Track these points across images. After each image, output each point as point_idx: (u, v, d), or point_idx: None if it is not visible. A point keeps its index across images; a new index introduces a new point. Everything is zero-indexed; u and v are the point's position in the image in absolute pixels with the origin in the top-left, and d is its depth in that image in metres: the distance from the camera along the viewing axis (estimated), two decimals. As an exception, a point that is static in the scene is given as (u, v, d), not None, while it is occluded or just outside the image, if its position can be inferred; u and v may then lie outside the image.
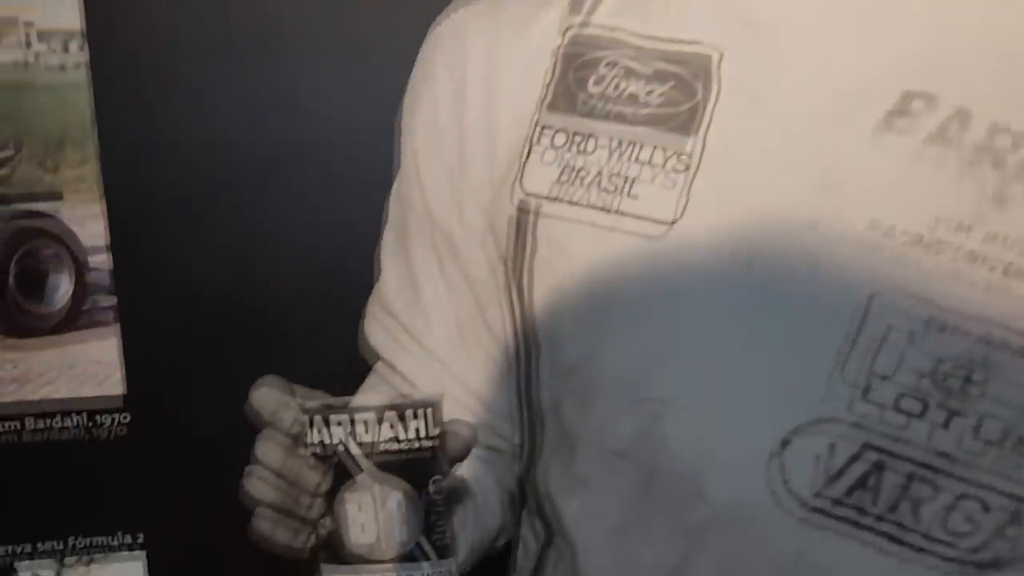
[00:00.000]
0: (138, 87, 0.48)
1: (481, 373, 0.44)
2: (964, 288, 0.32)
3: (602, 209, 0.37)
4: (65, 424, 0.51)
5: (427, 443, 0.35)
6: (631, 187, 0.37)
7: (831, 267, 0.34)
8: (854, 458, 0.34)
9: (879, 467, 0.34)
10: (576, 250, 0.38)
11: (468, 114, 0.41)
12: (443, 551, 0.36)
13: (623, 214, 0.37)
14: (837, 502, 0.34)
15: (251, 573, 0.44)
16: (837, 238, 0.34)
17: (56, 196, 0.39)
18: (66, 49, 0.36)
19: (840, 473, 0.34)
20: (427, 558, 0.35)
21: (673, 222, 0.36)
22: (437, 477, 0.36)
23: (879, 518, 0.34)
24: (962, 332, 0.33)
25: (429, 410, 0.35)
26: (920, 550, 0.34)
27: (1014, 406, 0.32)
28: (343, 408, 0.35)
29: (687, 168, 0.36)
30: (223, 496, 0.36)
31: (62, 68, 0.34)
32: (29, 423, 0.50)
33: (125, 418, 0.50)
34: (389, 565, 0.35)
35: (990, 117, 0.33)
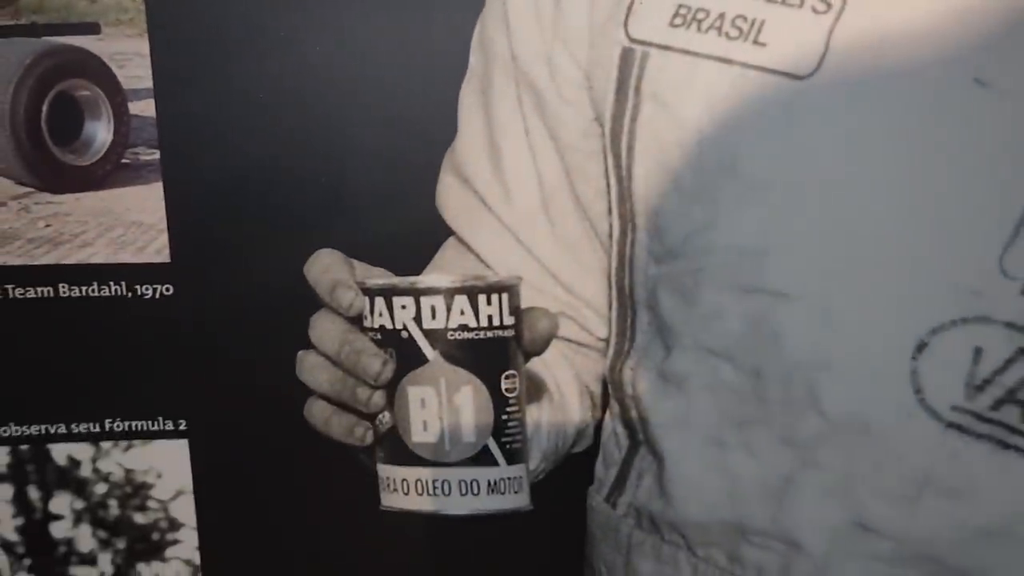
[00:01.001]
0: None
1: (567, 254, 0.39)
2: None
3: (723, 60, 0.31)
4: (102, 293, 0.47)
5: (501, 332, 0.31)
6: (759, 32, 0.31)
7: (1001, 137, 0.28)
8: (1006, 365, 0.29)
9: None
10: (688, 110, 0.32)
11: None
12: (514, 456, 0.32)
13: (748, 66, 0.31)
14: (981, 417, 0.30)
15: (296, 459, 0.42)
16: (1012, 98, 0.27)
17: (93, 29, 0.34)
18: None
19: (987, 383, 0.29)
20: (495, 463, 0.32)
21: (808, 76, 0.30)
22: (511, 371, 0.31)
23: None
24: None
25: (505, 295, 0.31)
26: None
27: None
28: (408, 289, 0.31)
29: (829, 8, 0.30)
30: (271, 381, 0.33)
31: None
32: (63, 290, 0.46)
33: (168, 290, 0.45)
34: (453, 468, 0.32)
35: None
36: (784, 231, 0.31)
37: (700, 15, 0.31)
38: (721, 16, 0.31)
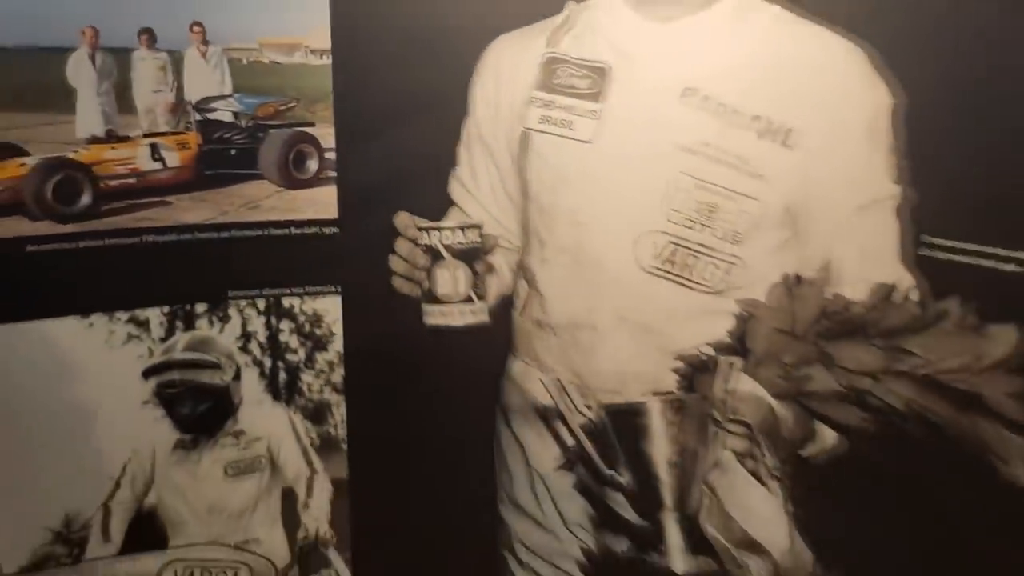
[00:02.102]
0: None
1: (503, 212, 0.85)
2: None
3: (559, 134, 0.78)
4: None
5: (476, 243, 0.80)
6: (574, 123, 0.78)
7: (664, 167, 0.75)
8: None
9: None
10: (546, 151, 0.79)
11: (499, 93, 0.82)
12: (482, 297, 0.81)
13: (568, 137, 0.78)
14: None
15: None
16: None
17: (311, 124, 0.80)
18: (321, 56, 0.77)
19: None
20: (473, 301, 0.81)
21: (592, 140, 0.77)
22: (478, 261, 0.81)
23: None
24: None
25: (477, 229, 0.80)
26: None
27: None
28: (435, 227, 0.79)
29: (596, 118, 0.77)
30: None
31: (321, 58, 0.74)
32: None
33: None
34: (455, 304, 0.81)
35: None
36: (585, 197, 0.78)
37: (551, 117, 0.78)
38: (559, 118, 0.78)
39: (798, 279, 0.76)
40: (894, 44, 0.67)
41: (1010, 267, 0.66)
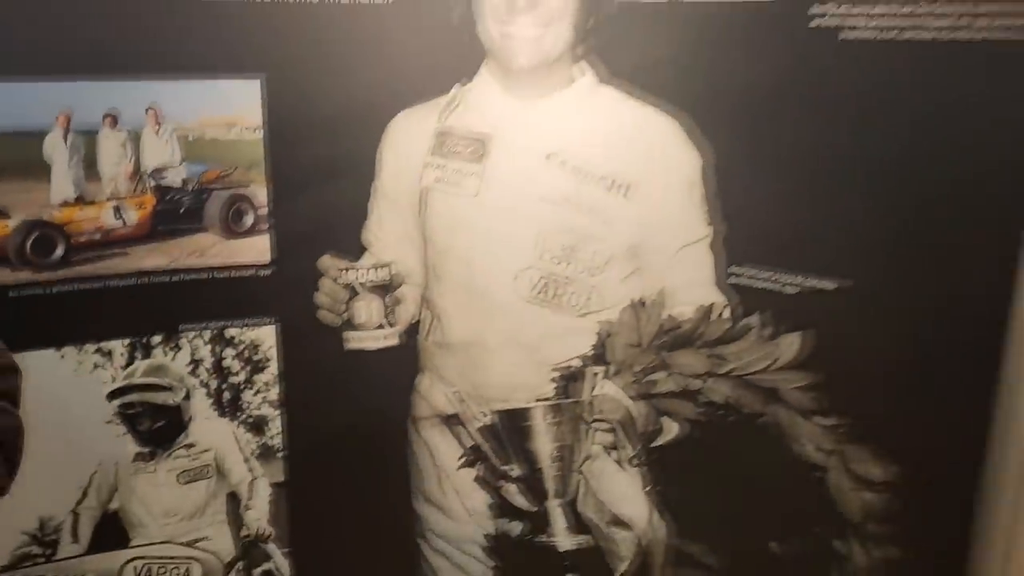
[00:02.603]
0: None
1: (408, 254, 1.03)
2: None
3: (450, 191, 0.97)
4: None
5: (386, 280, 0.98)
6: (462, 181, 0.97)
7: (535, 217, 0.94)
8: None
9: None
10: (441, 204, 0.98)
11: (400, 158, 1.00)
12: (392, 325, 0.99)
13: (458, 193, 0.96)
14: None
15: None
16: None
17: (247, 186, 0.97)
18: (254, 131, 0.95)
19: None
20: (385, 328, 0.99)
21: (477, 194, 0.96)
22: (389, 295, 0.99)
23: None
24: None
25: (387, 268, 0.98)
26: None
27: None
28: (354, 267, 0.97)
29: (479, 178, 0.96)
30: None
31: (254, 132, 0.92)
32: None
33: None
34: (371, 332, 0.99)
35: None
36: (473, 238, 0.96)
37: (444, 177, 0.97)
38: (450, 177, 0.96)
39: (642, 303, 0.95)
40: (699, 116, 0.88)
41: (791, 289, 0.86)
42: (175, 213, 0.93)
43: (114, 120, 0.89)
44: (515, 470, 1.04)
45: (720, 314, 0.91)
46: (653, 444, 0.97)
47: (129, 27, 0.86)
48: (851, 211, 0.79)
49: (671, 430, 0.96)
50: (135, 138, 0.90)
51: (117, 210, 0.91)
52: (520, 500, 1.03)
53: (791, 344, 0.88)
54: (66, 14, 0.84)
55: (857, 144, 0.77)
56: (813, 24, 0.78)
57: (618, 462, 0.99)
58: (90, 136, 0.89)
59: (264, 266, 0.97)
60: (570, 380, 0.99)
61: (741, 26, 0.82)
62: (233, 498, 1.04)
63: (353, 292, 0.98)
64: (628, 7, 0.88)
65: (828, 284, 0.83)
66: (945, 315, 0.74)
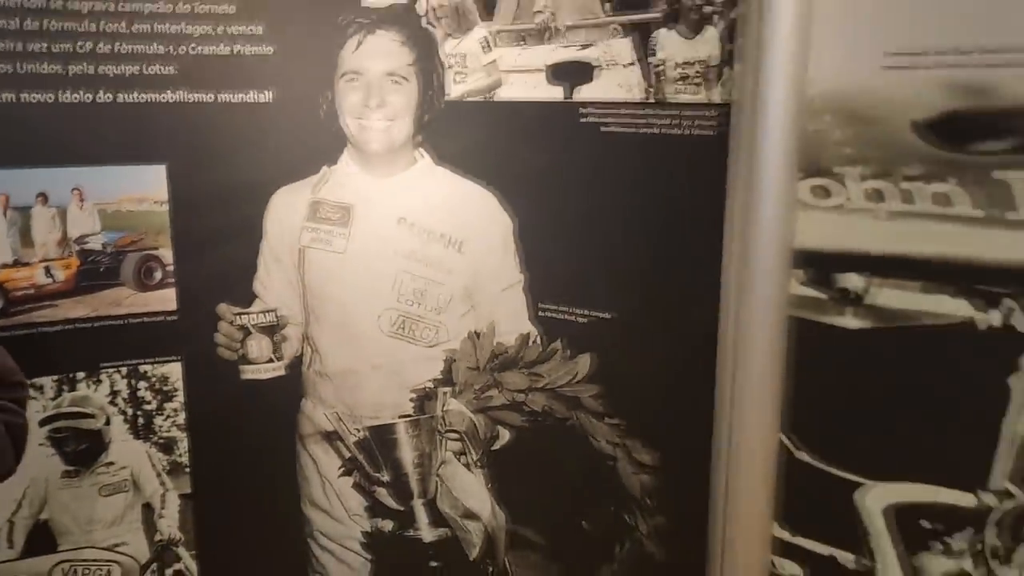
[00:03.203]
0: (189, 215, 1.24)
1: (291, 300, 1.25)
2: None
3: (323, 248, 1.21)
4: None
5: (273, 322, 1.21)
6: (332, 241, 1.21)
7: (391, 268, 1.18)
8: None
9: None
10: (316, 259, 1.21)
11: (282, 223, 1.24)
12: (280, 358, 1.22)
13: (329, 250, 1.21)
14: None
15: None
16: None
17: (156, 248, 1.20)
18: (161, 205, 1.18)
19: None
20: (274, 361, 1.22)
21: (344, 251, 1.20)
22: (278, 335, 1.22)
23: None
24: None
25: (274, 312, 1.21)
26: None
27: None
28: (246, 312, 1.20)
29: (346, 238, 1.20)
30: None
31: (161, 206, 1.15)
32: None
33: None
34: (262, 364, 1.22)
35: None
36: (345, 290, 1.20)
37: (318, 237, 1.21)
38: (323, 237, 1.21)
39: (477, 335, 1.20)
40: (506, 190, 1.14)
41: (582, 319, 1.12)
42: (96, 271, 1.15)
43: (45, 199, 1.11)
44: (385, 476, 1.26)
45: (534, 341, 1.16)
46: (492, 448, 1.21)
47: (57, 125, 1.09)
48: (612, 260, 1.05)
49: (505, 436, 1.20)
50: (63, 212, 1.13)
51: (48, 270, 1.13)
52: (390, 501, 1.25)
53: (585, 362, 1.13)
54: (5, 117, 1.07)
55: (613, 207, 1.04)
56: (582, 120, 1.05)
57: (466, 465, 1.22)
58: (25, 212, 1.11)
59: (171, 313, 1.19)
60: (425, 399, 1.22)
61: (534, 121, 1.09)
62: (147, 508, 1.24)
63: (246, 332, 1.20)
64: (453, 105, 1.14)
65: (605, 315, 1.08)
66: (676, 334, 1.01)
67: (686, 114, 0.97)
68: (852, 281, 0.84)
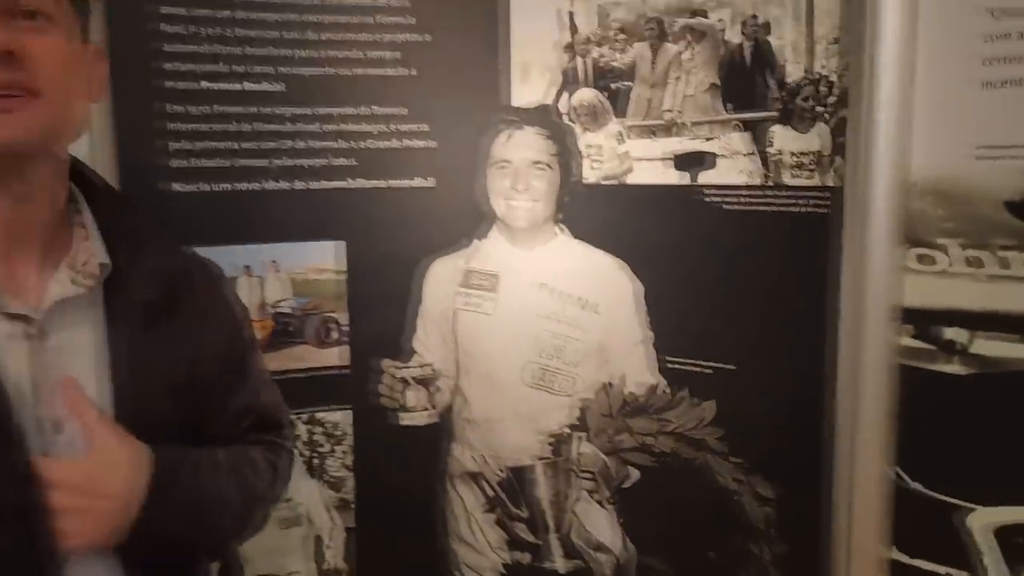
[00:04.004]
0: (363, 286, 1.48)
1: (444, 356, 1.44)
2: None
3: (474, 310, 1.40)
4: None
5: (429, 375, 1.40)
6: (481, 304, 1.40)
7: (533, 327, 1.37)
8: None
9: None
10: (467, 320, 1.41)
11: (438, 289, 1.44)
12: (434, 407, 1.41)
13: (478, 312, 1.40)
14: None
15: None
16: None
17: (334, 312, 1.44)
18: (339, 275, 1.40)
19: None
20: (428, 410, 1.40)
21: (492, 313, 1.39)
22: (432, 385, 1.41)
23: None
24: None
25: (430, 367, 1.40)
26: None
27: None
28: (406, 367, 1.40)
29: (494, 302, 1.39)
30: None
31: (339, 275, 1.40)
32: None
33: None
34: (418, 412, 1.40)
35: None
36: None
37: (471, 301, 1.41)
38: (475, 301, 1.40)
39: (610, 385, 1.37)
40: (635, 262, 1.33)
41: (708, 371, 1.28)
42: (286, 331, 1.36)
43: (249, 270, 1.33)
44: (524, 512, 1.43)
45: (662, 390, 1.33)
46: (622, 487, 1.37)
47: (261, 209, 1.31)
48: (733, 318, 1.22)
49: (634, 475, 1.36)
50: (262, 281, 1.34)
51: (248, 331, 1.34)
52: (528, 535, 1.42)
53: (711, 408, 1.29)
54: (221, 204, 1.29)
55: (732, 273, 1.22)
56: (705, 200, 1.24)
57: (598, 502, 1.38)
58: (232, 280, 1.33)
59: (344, 367, 1.38)
60: (561, 443, 1.39)
61: (662, 201, 1.28)
62: (318, 540, 1.42)
63: (406, 384, 1.39)
64: (590, 188, 1.34)
65: (728, 366, 1.25)
66: (789, 382, 1.17)
67: (801, 195, 1.15)
68: (956, 334, 1.00)
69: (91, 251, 0.81)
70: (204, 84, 1.26)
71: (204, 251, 0.99)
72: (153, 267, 0.85)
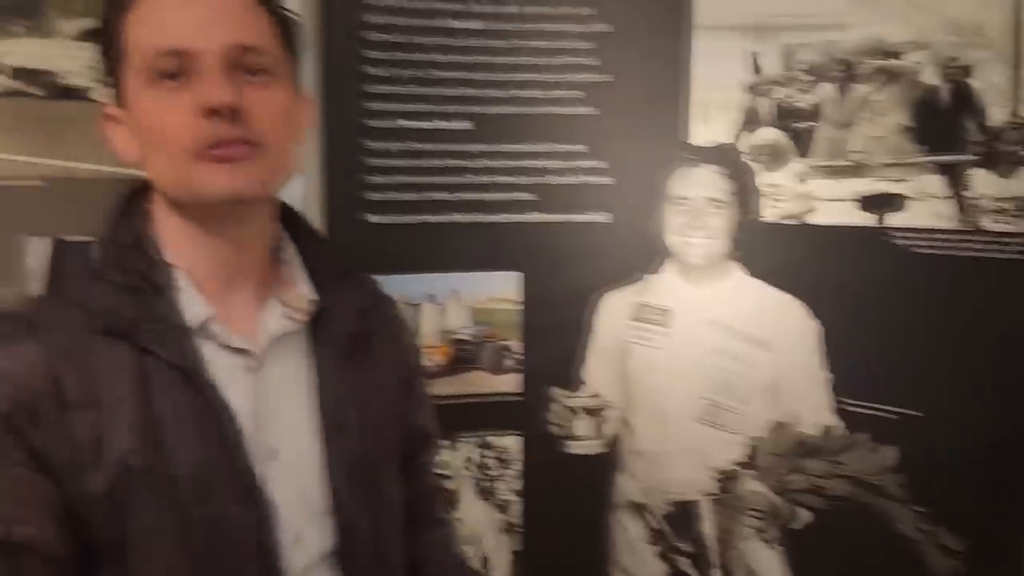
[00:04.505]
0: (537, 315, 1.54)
1: (613, 387, 1.49)
2: None
3: (645, 344, 1.43)
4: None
5: (598, 405, 1.43)
6: (652, 338, 1.42)
7: (703, 362, 1.39)
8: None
9: None
10: (638, 353, 1.44)
11: (610, 322, 1.47)
12: (601, 437, 1.44)
13: (649, 345, 1.42)
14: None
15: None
16: None
17: (508, 340, 1.50)
18: (515, 305, 1.47)
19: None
20: (596, 439, 1.43)
21: (663, 348, 1.41)
22: (600, 415, 1.44)
23: None
24: None
25: (599, 397, 1.43)
26: None
27: None
28: (576, 396, 1.43)
29: (665, 336, 1.41)
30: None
31: (515, 306, 1.46)
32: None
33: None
34: (586, 441, 1.43)
35: None
36: None
37: (639, 337, 1.44)
38: (644, 337, 1.43)
39: (781, 424, 1.37)
40: (814, 301, 1.32)
41: (892, 416, 1.26)
42: (464, 358, 1.42)
43: (432, 298, 1.40)
44: (687, 547, 1.43)
45: (838, 433, 1.32)
46: (791, 528, 1.36)
47: (445, 241, 1.38)
48: (922, 364, 1.20)
49: (805, 517, 1.35)
50: (443, 309, 1.41)
51: (429, 356, 1.41)
52: (691, 570, 1.42)
53: (891, 454, 1.27)
54: (410, 235, 1.37)
55: (920, 317, 1.20)
56: (894, 243, 1.23)
57: (766, 541, 1.38)
58: (417, 307, 1.40)
59: (517, 394, 1.43)
60: (728, 479, 1.40)
61: (845, 242, 1.27)
62: (484, 560, 1.47)
63: (575, 413, 1.43)
64: (768, 226, 1.35)
65: (914, 412, 1.23)
66: (986, 431, 1.14)
67: (1004, 241, 1.12)
68: None
69: (300, 288, 0.87)
70: (401, 122, 1.34)
71: (391, 279, 1.04)
72: (351, 300, 0.91)
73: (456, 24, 1.33)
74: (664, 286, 1.42)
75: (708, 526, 1.41)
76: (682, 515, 1.42)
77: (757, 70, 1.31)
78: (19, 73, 1.19)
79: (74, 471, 0.73)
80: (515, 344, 1.43)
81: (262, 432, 0.81)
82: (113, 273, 0.78)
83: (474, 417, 1.43)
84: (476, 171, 1.38)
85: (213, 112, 0.74)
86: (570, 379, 1.44)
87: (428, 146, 1.36)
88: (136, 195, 0.84)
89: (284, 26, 0.82)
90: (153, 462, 0.74)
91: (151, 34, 0.75)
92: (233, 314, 0.83)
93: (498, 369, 1.43)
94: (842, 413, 1.31)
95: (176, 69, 0.75)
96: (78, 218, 1.20)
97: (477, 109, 1.36)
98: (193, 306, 0.80)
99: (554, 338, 1.43)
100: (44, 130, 1.21)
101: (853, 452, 1.29)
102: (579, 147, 1.40)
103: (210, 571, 0.76)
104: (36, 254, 1.19)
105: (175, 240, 0.81)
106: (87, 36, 1.20)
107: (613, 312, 1.44)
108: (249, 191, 0.78)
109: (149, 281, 0.79)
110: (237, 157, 0.76)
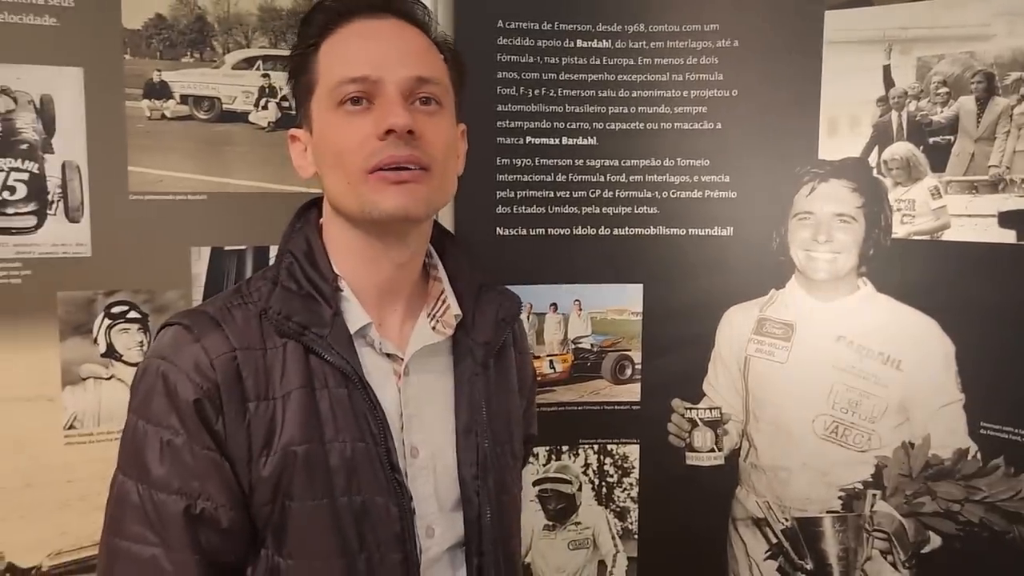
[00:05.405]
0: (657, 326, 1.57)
1: (733, 400, 1.49)
2: None
3: (767, 358, 1.42)
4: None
5: (717, 418, 1.44)
6: (775, 352, 1.42)
7: (828, 379, 1.37)
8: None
9: None
10: (759, 367, 1.43)
11: (732, 336, 1.48)
12: (720, 449, 1.44)
13: (771, 360, 1.42)
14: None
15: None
16: None
17: (629, 350, 1.53)
18: (635, 315, 1.50)
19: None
20: (715, 451, 1.44)
21: (785, 362, 1.41)
22: (720, 427, 1.45)
23: None
24: None
25: (719, 410, 1.44)
26: None
27: None
28: (695, 408, 1.44)
29: (788, 351, 1.40)
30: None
31: (636, 316, 1.48)
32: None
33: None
34: (704, 453, 1.44)
35: None
36: None
37: (760, 351, 1.43)
38: (765, 351, 1.42)
39: (911, 444, 1.33)
40: (947, 319, 1.28)
41: (1027, 440, 1.21)
42: (584, 366, 1.46)
43: (555, 308, 1.44)
44: (808, 564, 1.42)
45: (973, 456, 1.27)
46: (920, 551, 1.32)
47: (569, 253, 1.42)
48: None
49: (935, 542, 1.31)
50: (566, 319, 1.45)
51: (551, 363, 1.45)
52: (812, 588, 1.40)
53: (1031, 480, 1.22)
54: (536, 248, 1.42)
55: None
56: (1034, 259, 1.18)
57: (892, 564, 1.34)
58: (541, 317, 1.45)
59: (635, 403, 1.46)
60: (853, 498, 1.37)
61: (983, 259, 1.23)
62: (601, 564, 1.50)
63: (694, 425, 1.44)
64: (898, 243, 1.32)
65: (1056, 438, 1.17)
66: None
67: None
68: None
69: (447, 304, 0.95)
70: (528, 139, 1.39)
71: (517, 289, 1.08)
72: (488, 312, 0.97)
73: (583, 44, 1.38)
74: (787, 300, 1.41)
75: (830, 544, 1.39)
76: (802, 532, 1.40)
77: (890, 84, 1.29)
78: (186, 99, 1.32)
79: (249, 456, 0.82)
80: (635, 354, 1.46)
81: (406, 432, 0.89)
82: (288, 280, 0.87)
83: (594, 424, 1.47)
84: (599, 185, 1.42)
85: (390, 133, 0.81)
86: (690, 391, 1.46)
87: (554, 161, 1.41)
88: (308, 209, 0.94)
89: (453, 61, 0.90)
90: (313, 452, 0.82)
91: (342, 64, 0.85)
92: (387, 322, 0.92)
93: (618, 378, 1.46)
94: (977, 436, 1.26)
95: (360, 94, 0.83)
96: (235, 229, 1.32)
97: (601, 125, 1.40)
98: (354, 313, 0.88)
99: (674, 349, 1.45)
100: (207, 150, 1.33)
101: (989, 477, 1.24)
102: (702, 161, 1.41)
103: (358, 556, 0.83)
104: (200, 261, 1.31)
105: (342, 252, 0.90)
106: (248, 64, 1.32)
107: (735, 325, 1.44)
108: (415, 211, 0.85)
109: (318, 289, 0.87)
110: (408, 180, 0.83)
